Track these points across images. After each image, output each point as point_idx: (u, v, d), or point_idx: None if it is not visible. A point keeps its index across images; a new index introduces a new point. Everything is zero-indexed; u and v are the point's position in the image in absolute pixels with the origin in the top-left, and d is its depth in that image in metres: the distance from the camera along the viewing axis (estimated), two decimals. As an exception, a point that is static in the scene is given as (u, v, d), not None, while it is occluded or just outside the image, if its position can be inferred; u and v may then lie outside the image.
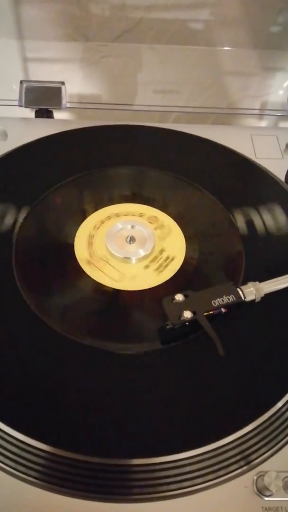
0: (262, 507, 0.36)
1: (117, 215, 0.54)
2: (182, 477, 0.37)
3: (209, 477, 0.37)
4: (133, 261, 0.50)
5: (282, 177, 0.59)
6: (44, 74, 0.74)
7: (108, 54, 0.76)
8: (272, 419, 0.40)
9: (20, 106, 0.68)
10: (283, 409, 0.40)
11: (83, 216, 0.54)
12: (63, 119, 0.73)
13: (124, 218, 0.54)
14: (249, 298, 0.44)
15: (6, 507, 0.36)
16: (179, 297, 0.42)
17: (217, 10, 0.71)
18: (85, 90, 0.80)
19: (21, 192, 0.55)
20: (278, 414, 0.40)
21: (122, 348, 0.43)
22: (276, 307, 0.45)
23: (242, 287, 0.44)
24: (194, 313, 0.42)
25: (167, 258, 0.51)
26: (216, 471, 0.38)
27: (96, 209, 0.54)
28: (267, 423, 0.39)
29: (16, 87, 0.73)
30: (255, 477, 0.38)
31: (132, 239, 0.51)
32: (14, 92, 0.73)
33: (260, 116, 0.83)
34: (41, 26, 0.72)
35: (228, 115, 0.82)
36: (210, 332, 0.41)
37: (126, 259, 0.50)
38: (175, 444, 0.38)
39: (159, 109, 0.78)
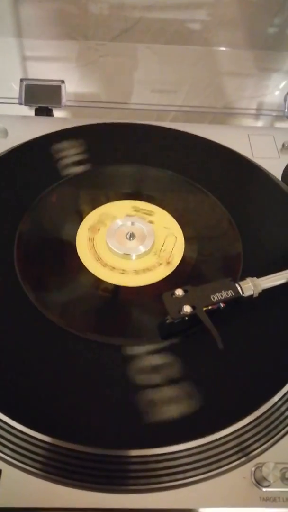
0: (260, 497, 0.37)
1: (117, 212, 0.55)
2: (182, 468, 0.38)
3: (208, 468, 0.38)
4: (133, 257, 0.51)
5: (279, 176, 0.60)
6: (43, 72, 0.75)
7: (106, 53, 0.77)
8: (269, 412, 0.41)
9: (20, 104, 0.69)
10: (280, 403, 0.41)
11: (84, 213, 0.54)
12: (63, 118, 0.74)
13: (124, 215, 0.54)
14: (247, 293, 0.44)
15: (9, 498, 0.36)
16: (179, 292, 0.43)
17: (215, 11, 0.72)
18: (83, 89, 0.80)
19: (22, 189, 0.55)
20: (275, 407, 0.41)
21: (122, 342, 0.44)
22: (274, 303, 0.46)
23: (240, 283, 0.45)
24: (193, 307, 0.42)
25: (166, 254, 0.51)
26: (215, 462, 0.38)
27: (96, 206, 0.55)
28: (265, 416, 0.40)
29: (15, 86, 0.73)
30: (253, 469, 0.38)
31: (132, 236, 0.51)
32: (13, 90, 0.73)
33: (257, 116, 0.84)
34: (40, 25, 0.73)
35: (225, 115, 0.83)
36: (209, 326, 0.41)
37: (126, 255, 0.51)
38: (175, 436, 0.38)
39: (156, 108, 0.79)
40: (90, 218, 0.54)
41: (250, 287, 0.44)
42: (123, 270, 0.50)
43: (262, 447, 0.39)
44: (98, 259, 0.50)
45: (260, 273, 0.46)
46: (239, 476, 0.38)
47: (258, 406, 0.40)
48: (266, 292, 0.45)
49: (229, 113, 0.83)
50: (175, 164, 0.60)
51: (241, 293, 0.44)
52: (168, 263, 0.51)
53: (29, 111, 0.72)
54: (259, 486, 0.38)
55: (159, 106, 0.79)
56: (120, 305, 0.48)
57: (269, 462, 0.38)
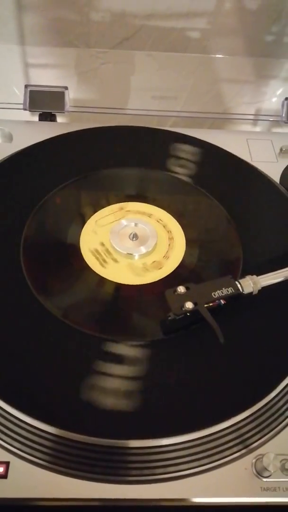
0: (261, 488, 0.38)
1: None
2: (185, 459, 0.39)
3: (210, 459, 0.39)
4: (136, 257, 0.52)
5: (277, 180, 0.62)
6: (45, 79, 0.76)
7: (108, 61, 0.78)
8: (270, 404, 0.42)
9: (25, 109, 0.70)
10: (280, 396, 0.42)
11: (88, 214, 0.56)
12: (66, 123, 0.75)
13: (128, 215, 0.56)
14: (247, 290, 0.46)
15: (17, 489, 0.37)
16: (181, 289, 0.44)
17: (214, 19, 0.73)
18: (85, 95, 0.82)
19: (27, 192, 0.57)
20: (276, 400, 0.42)
21: (125, 338, 0.45)
22: (273, 300, 0.48)
23: (240, 280, 0.46)
24: (195, 304, 0.44)
25: (168, 254, 0.53)
26: (217, 453, 0.40)
27: (100, 208, 0.56)
28: (265, 408, 0.42)
29: (18, 91, 0.75)
30: (254, 460, 0.40)
31: (135, 236, 0.53)
32: (16, 96, 0.75)
33: (255, 122, 0.86)
34: (43, 33, 0.74)
35: (224, 121, 0.84)
36: (210, 321, 0.43)
37: (129, 255, 0.52)
38: (177, 428, 0.39)
39: (156, 114, 0.80)
40: (93, 220, 0.55)
41: (249, 284, 0.46)
42: (126, 269, 0.51)
43: (263, 439, 0.40)
44: (102, 258, 0.52)
45: (259, 273, 0.47)
46: (240, 467, 0.39)
47: (259, 399, 0.41)
48: (265, 290, 0.47)
49: (227, 119, 0.85)
50: (175, 167, 0.61)
51: (241, 290, 0.45)
52: (170, 263, 0.52)
53: (32, 117, 0.73)
54: (260, 477, 0.39)
55: (159, 112, 0.80)
56: (123, 303, 0.49)
57: (269, 453, 0.39)
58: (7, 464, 0.38)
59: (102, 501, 0.37)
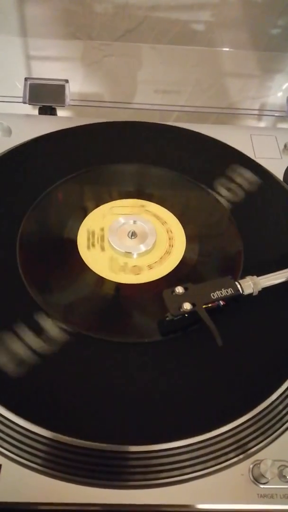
0: (258, 494, 0.38)
1: (120, 210, 0.55)
2: (180, 465, 0.38)
3: (206, 465, 0.39)
4: (135, 255, 0.51)
5: (280, 176, 0.61)
6: (47, 72, 0.75)
7: (110, 53, 0.77)
8: (268, 410, 0.41)
9: (24, 103, 0.69)
10: (278, 401, 0.42)
11: (86, 210, 0.55)
12: (66, 117, 0.74)
13: (126, 213, 0.55)
14: (246, 291, 0.45)
15: (9, 492, 0.37)
16: (179, 289, 0.44)
17: (219, 11, 0.72)
18: (87, 89, 0.81)
19: (25, 187, 0.56)
20: (274, 405, 0.41)
21: (123, 338, 0.44)
22: (273, 301, 0.47)
23: (240, 281, 0.45)
24: (193, 305, 0.43)
25: (167, 252, 0.52)
26: (213, 459, 0.39)
27: (98, 204, 0.56)
28: (263, 414, 0.41)
29: (19, 84, 0.73)
30: (251, 466, 0.39)
31: (133, 234, 0.52)
32: (17, 89, 0.74)
33: (259, 117, 0.84)
34: (45, 25, 0.73)
35: (227, 116, 0.83)
36: (208, 323, 0.42)
37: (128, 254, 0.51)
38: (173, 433, 0.39)
39: (160, 108, 0.79)
40: (93, 216, 0.54)
41: (250, 285, 0.45)
42: (124, 267, 0.50)
43: (260, 445, 0.40)
44: (100, 256, 0.51)
45: (261, 273, 0.46)
46: (237, 473, 0.38)
47: (257, 404, 0.40)
48: (266, 291, 0.46)
49: (231, 114, 0.83)
50: (177, 163, 0.60)
51: (240, 291, 0.44)
52: (169, 261, 0.51)
53: (32, 110, 0.72)
54: (257, 483, 0.38)
55: (163, 106, 0.79)
56: (121, 303, 0.48)
57: (267, 459, 0.38)
58: (-1, 467, 0.37)
59: (95, 506, 0.37)
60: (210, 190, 0.57)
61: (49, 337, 0.44)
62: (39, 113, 0.69)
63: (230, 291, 0.44)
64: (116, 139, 0.63)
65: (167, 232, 0.54)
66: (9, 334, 0.44)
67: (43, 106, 0.69)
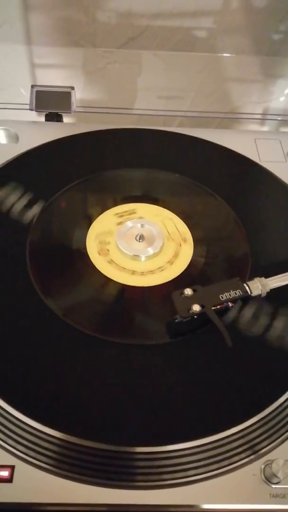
0: (270, 494, 0.38)
1: (127, 214, 0.56)
2: (193, 465, 0.38)
3: (219, 465, 0.39)
4: (143, 258, 0.51)
5: (286, 180, 0.61)
6: (51, 79, 0.76)
7: (114, 60, 0.78)
8: (279, 410, 0.41)
9: (31, 110, 0.69)
10: (289, 401, 0.42)
11: (94, 215, 0.55)
12: (73, 123, 0.74)
13: (134, 217, 0.55)
14: (255, 293, 0.45)
15: (22, 493, 0.37)
16: (188, 291, 0.44)
17: (221, 18, 0.73)
18: (91, 95, 0.82)
19: (33, 193, 0.56)
20: (285, 405, 0.41)
21: (132, 341, 0.45)
22: (282, 303, 0.47)
23: (248, 283, 0.45)
24: (202, 306, 0.43)
25: (175, 255, 0.52)
26: (225, 459, 0.39)
27: (106, 209, 0.56)
28: (274, 414, 0.41)
29: (24, 92, 0.74)
30: (262, 466, 0.39)
31: (141, 238, 0.52)
32: (22, 96, 0.74)
33: (262, 121, 0.85)
34: (49, 33, 0.74)
35: (231, 121, 0.84)
36: (218, 324, 0.42)
37: (136, 257, 0.51)
38: (186, 433, 0.39)
39: (163, 114, 0.80)
40: (101, 220, 0.55)
41: (258, 286, 0.45)
42: (132, 271, 0.50)
43: (272, 445, 0.40)
44: (109, 260, 0.51)
45: (268, 275, 0.47)
46: (249, 473, 0.39)
47: (268, 405, 0.40)
48: (274, 292, 0.46)
49: (235, 119, 0.84)
50: (183, 168, 0.61)
51: (249, 293, 0.45)
52: (177, 264, 0.51)
53: (37, 117, 0.73)
54: (269, 483, 0.38)
55: (166, 111, 0.80)
56: (129, 305, 0.48)
57: (278, 459, 0.38)
58: (12, 468, 0.38)
59: (108, 506, 0.37)
60: (216, 194, 0.58)
61: (63, 340, 0.44)
62: (46, 120, 0.70)
63: (238, 292, 0.44)
64: (122, 145, 0.64)
65: (175, 236, 0.54)
66: (20, 336, 0.44)
67: (50, 112, 0.69)
